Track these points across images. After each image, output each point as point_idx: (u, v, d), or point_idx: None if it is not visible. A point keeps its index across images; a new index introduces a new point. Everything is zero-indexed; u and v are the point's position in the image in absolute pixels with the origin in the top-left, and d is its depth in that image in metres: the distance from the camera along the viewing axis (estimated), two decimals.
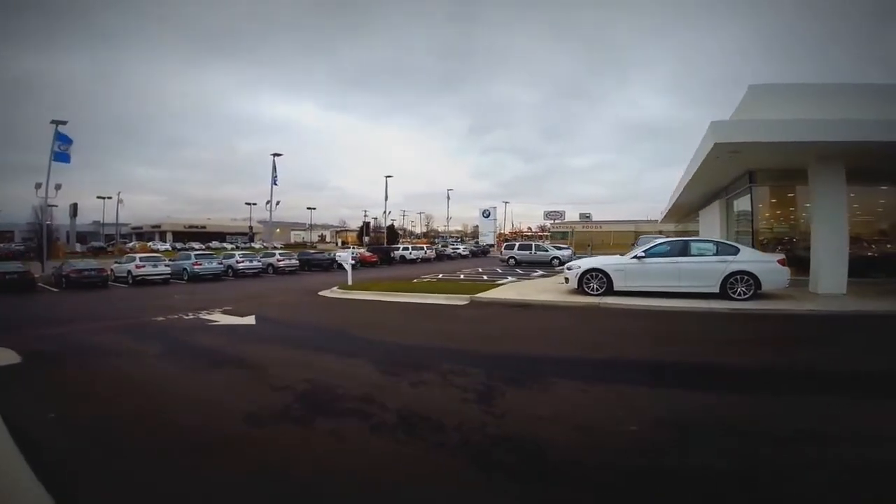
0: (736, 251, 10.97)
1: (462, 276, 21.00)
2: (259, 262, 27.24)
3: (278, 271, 27.81)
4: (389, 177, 55.11)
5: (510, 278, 18.76)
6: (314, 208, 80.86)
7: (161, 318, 10.59)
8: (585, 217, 74.36)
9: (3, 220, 64.54)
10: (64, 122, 24.62)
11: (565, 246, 32.64)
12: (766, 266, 10.63)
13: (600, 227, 65.54)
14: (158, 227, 79.03)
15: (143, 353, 7.03)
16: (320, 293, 15.60)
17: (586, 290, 11.73)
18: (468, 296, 12.54)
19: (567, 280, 12.46)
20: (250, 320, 10.16)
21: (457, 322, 9.78)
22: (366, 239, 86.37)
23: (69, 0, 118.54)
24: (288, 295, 15.59)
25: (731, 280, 10.50)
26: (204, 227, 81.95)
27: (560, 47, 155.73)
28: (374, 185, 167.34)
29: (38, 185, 24.74)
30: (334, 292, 15.30)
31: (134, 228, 78.41)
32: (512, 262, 28.35)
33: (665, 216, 39.10)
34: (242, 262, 26.28)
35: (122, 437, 3.93)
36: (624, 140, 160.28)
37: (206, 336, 8.52)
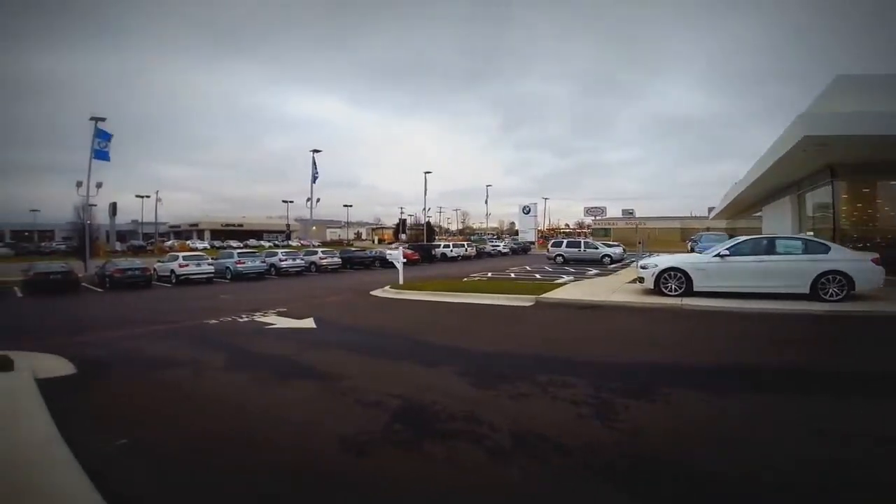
0: (826, 249, 10.00)
1: (513, 275, 20.15)
2: (302, 260, 27.02)
3: (321, 269, 27.54)
4: (428, 173, 54.45)
5: (566, 277, 17.78)
6: (351, 206, 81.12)
7: (214, 321, 10.15)
8: (628, 213, 72.29)
9: (44, 220, 67.79)
10: (103, 119, 24.97)
11: (615, 243, 31.25)
12: (860, 265, 9.66)
13: (643, 224, 63.31)
14: (196, 225, 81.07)
15: (206, 364, 6.47)
16: (372, 293, 15.04)
17: (664, 290, 10.74)
18: (532, 296, 11.70)
19: (640, 280, 11.50)
20: (309, 323, 9.61)
21: (530, 325, 8.98)
22: (402, 236, 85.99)
23: (102, 4, 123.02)
24: (339, 295, 15.08)
25: (822, 280, 9.60)
26: (241, 225, 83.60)
27: (589, 43, 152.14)
28: (406, 182, 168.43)
29: (79, 184, 25.12)
30: (387, 292, 14.72)
31: (172, 227, 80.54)
32: (560, 259, 27.26)
33: (718, 212, 37.18)
34: (286, 260, 26.11)
35: (206, 470, 3.33)
36: (657, 134, 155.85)
37: (267, 342, 7.96)
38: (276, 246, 55.92)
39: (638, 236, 31.95)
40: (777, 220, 20.89)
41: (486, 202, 68.03)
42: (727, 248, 10.70)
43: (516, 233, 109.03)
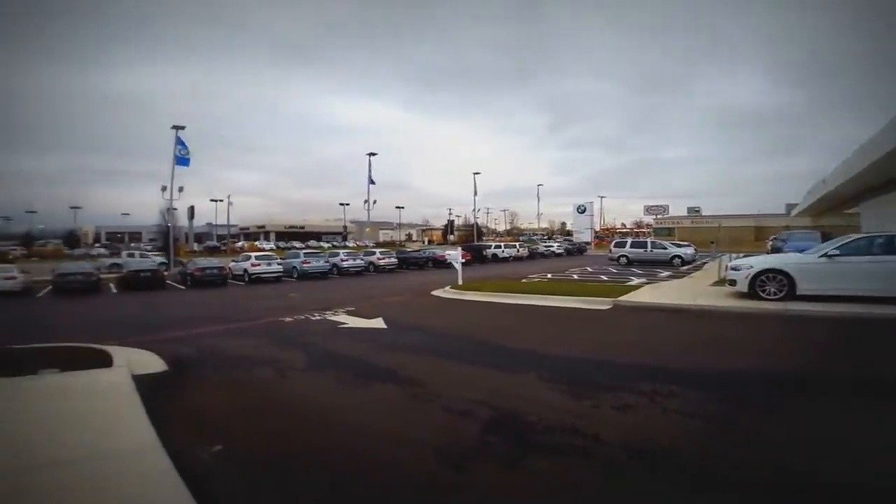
0: None
1: (575, 277, 19.34)
2: (362, 260, 27.63)
3: (378, 269, 28.02)
4: (477, 173, 54.35)
5: (638, 280, 16.76)
6: (402, 207, 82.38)
7: (289, 319, 10.37)
8: (694, 211, 67.86)
9: (133, 223, 74.16)
10: (182, 127, 26.73)
11: (685, 243, 29.24)
12: None
13: (710, 222, 59.30)
14: (263, 227, 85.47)
15: (288, 363, 6.48)
16: (433, 293, 14.92)
17: (760, 294, 9.72)
18: (608, 299, 11.02)
19: (729, 282, 10.50)
20: (379, 323, 9.56)
21: (612, 330, 8.39)
22: (451, 237, 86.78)
23: (175, 25, 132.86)
24: (401, 295, 15.08)
25: None
26: (302, 227, 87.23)
27: (639, 36, 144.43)
28: (453, 183, 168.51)
29: (163, 189, 27.02)
30: (447, 292, 14.55)
31: (242, 229, 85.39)
32: (623, 261, 25.92)
33: (802, 210, 34.01)
34: (347, 260, 26.74)
35: (302, 483, 3.18)
36: (718, 129, 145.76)
37: (343, 341, 7.94)
38: (335, 247, 57.69)
39: (720, 234, 29.74)
40: (883, 218, 18.64)
41: (538, 202, 65.81)
42: (836, 248, 9.53)
43: (568, 233, 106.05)
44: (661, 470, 3.21)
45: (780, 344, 6.99)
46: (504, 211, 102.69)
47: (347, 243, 73.71)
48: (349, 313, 10.90)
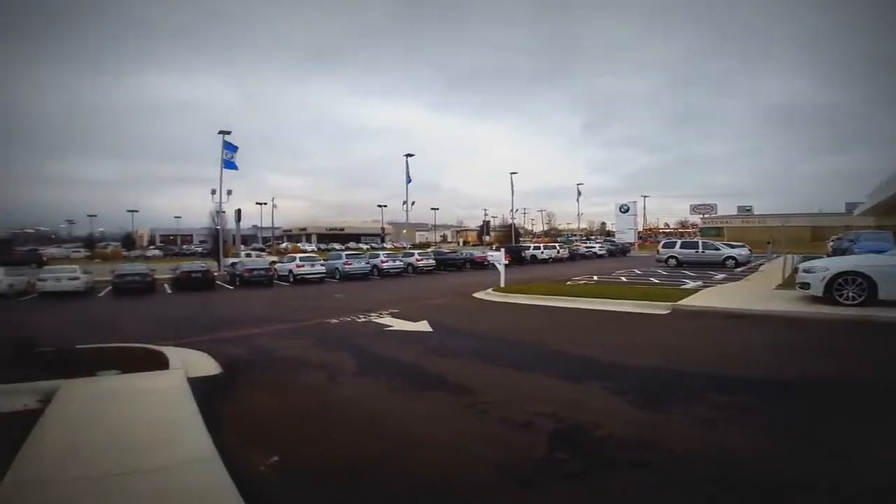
0: None
1: (623, 279, 18.59)
2: (401, 261, 27.74)
3: (417, 270, 28.02)
4: (514, 173, 53.31)
5: (693, 283, 15.86)
6: (437, 209, 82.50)
7: (335, 321, 10.37)
8: (745, 210, 64.41)
9: (185, 225, 77.84)
10: (228, 132, 27.69)
11: (739, 243, 27.57)
12: None
13: (762, 222, 56.16)
14: (305, 229, 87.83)
15: (338, 367, 6.39)
16: (475, 295, 14.65)
17: (837, 298, 8.89)
18: (665, 303, 10.42)
19: (803, 285, 9.67)
20: (424, 326, 9.40)
21: (674, 336, 7.91)
22: (486, 238, 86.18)
23: (219, 35, 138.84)
24: (443, 297, 14.89)
25: None
26: (342, 229, 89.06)
27: (678, 32, 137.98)
28: (486, 184, 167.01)
29: (213, 192, 28.04)
30: (490, 294, 14.25)
31: (285, 231, 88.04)
32: (672, 262, 24.72)
33: (868, 208, 31.54)
34: (386, 261, 26.91)
35: (359, 501, 3.04)
36: (766, 125, 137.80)
37: (390, 345, 7.80)
38: (373, 248, 58.42)
39: (777, 234, 27.97)
40: None
41: (578, 201, 63.83)
42: None
43: (608, 233, 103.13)
44: (746, 496, 2.90)
45: (871, 353, 6.32)
46: (541, 211, 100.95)
47: (385, 245, 74.60)
48: (393, 315, 10.81)
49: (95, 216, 77.44)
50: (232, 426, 4.25)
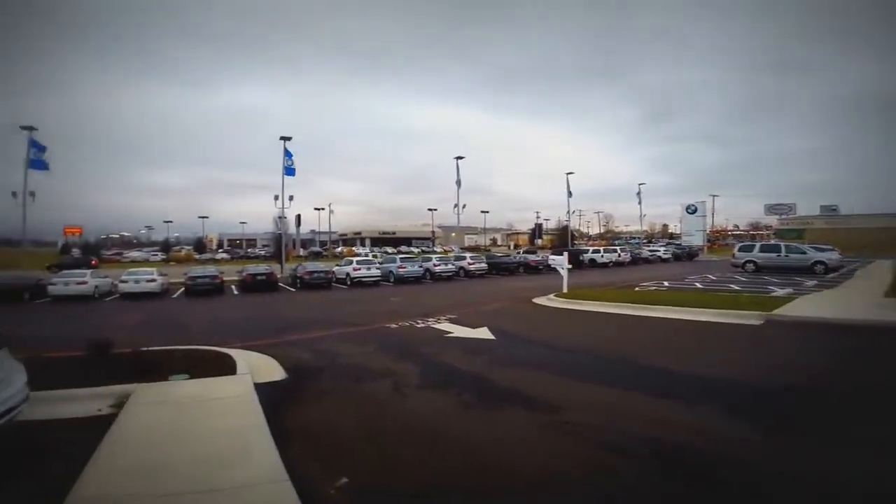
0: None
1: (698, 286, 17.22)
2: (453, 265, 27.47)
3: (469, 274, 27.64)
4: (570, 173, 50.92)
5: (782, 290, 14.39)
6: (488, 212, 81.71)
7: (394, 325, 10.17)
8: (830, 209, 58.61)
9: (248, 230, 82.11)
10: (289, 138, 28.61)
11: (828, 247, 24.92)
12: None
13: (849, 223, 50.94)
14: (359, 234, 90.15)
15: (403, 377, 6.09)
16: (535, 301, 14.05)
17: None
18: (759, 312, 9.39)
19: None
20: (486, 333, 8.97)
21: (777, 350, 7.10)
22: (538, 241, 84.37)
23: (276, 45, 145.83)
24: (500, 301, 14.39)
25: None
26: (394, 233, 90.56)
27: (738, 17, 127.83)
28: (537, 186, 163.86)
29: (276, 197, 29.13)
30: (552, 300, 13.59)
31: (340, 235, 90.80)
32: (750, 267, 22.71)
33: None
34: (439, 265, 26.74)
35: None
36: (848, 118, 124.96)
37: (453, 353, 7.43)
38: (424, 252, 58.74)
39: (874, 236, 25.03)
40: None
41: (640, 202, 60.23)
42: None
43: (671, 236, 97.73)
44: None
45: None
46: (597, 213, 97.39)
47: (436, 248, 74.93)
48: (452, 321, 10.46)
49: (171, 222, 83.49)
50: (299, 440, 4.02)
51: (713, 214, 76.97)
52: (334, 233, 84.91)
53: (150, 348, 6.89)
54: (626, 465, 3.41)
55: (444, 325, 9.97)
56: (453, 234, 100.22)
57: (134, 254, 62.54)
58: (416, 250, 64.95)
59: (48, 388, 4.83)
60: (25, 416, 3.88)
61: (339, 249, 72.14)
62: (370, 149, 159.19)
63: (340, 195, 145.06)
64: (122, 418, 4.18)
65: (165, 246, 72.85)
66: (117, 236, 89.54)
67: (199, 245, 76.25)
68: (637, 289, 16.31)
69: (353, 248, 71.96)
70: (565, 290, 14.86)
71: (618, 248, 42.09)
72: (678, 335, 8.52)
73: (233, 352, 6.95)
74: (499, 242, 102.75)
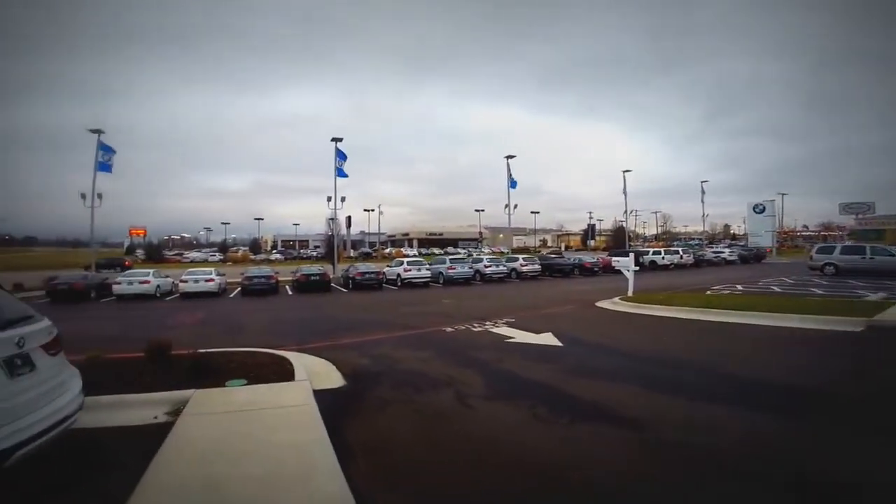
0: None
1: (776, 289, 15.65)
2: (504, 266, 26.75)
3: (521, 276, 26.84)
4: (627, 171, 48.28)
5: (873, 295, 12.73)
6: (538, 212, 79.89)
7: (450, 329, 9.68)
8: None
9: (301, 231, 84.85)
10: (340, 139, 28.88)
11: None
12: None
13: None
14: (407, 234, 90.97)
15: (467, 386, 5.58)
16: (599, 305, 13.18)
17: None
18: (856, 318, 8.20)
19: None
20: (550, 339, 8.31)
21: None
22: (591, 243, 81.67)
23: (329, 50, 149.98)
24: (561, 305, 13.59)
25: None
26: (441, 234, 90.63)
27: (800, 11, 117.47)
28: (587, 186, 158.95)
29: (328, 199, 29.61)
30: (617, 304, 12.67)
31: (389, 236, 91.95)
32: (830, 270, 20.55)
33: None
34: (490, 266, 26.12)
35: None
36: None
37: (518, 360, 6.83)
38: (469, 253, 58.18)
39: None
40: None
41: (703, 200, 56.18)
42: None
43: (733, 237, 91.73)
44: None
45: None
46: (655, 213, 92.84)
47: (483, 249, 74.18)
48: (511, 325, 9.85)
49: (228, 223, 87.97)
50: (363, 458, 3.59)
51: (782, 214, 71.49)
52: (383, 234, 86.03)
53: (208, 350, 6.78)
54: (760, 496, 2.74)
55: (504, 330, 9.39)
56: (501, 236, 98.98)
57: (194, 254, 66.13)
58: (462, 251, 64.44)
59: (104, 393, 4.70)
60: (79, 424, 3.68)
61: (387, 250, 73.07)
62: (419, 151, 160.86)
63: (388, 197, 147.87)
64: (179, 428, 3.92)
65: (223, 247, 76.62)
66: (178, 237, 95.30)
67: (255, 246, 79.60)
68: (709, 293, 15.03)
69: (402, 250, 72.66)
70: (631, 293, 13.88)
71: (679, 249, 39.72)
72: (768, 343, 7.56)
73: (290, 355, 6.72)
74: (549, 244, 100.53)
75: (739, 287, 16.77)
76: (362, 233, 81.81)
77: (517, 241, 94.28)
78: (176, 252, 71.80)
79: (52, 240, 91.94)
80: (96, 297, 19.11)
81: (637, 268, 14.89)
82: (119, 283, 19.24)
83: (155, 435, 3.79)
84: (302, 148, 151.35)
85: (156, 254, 64.21)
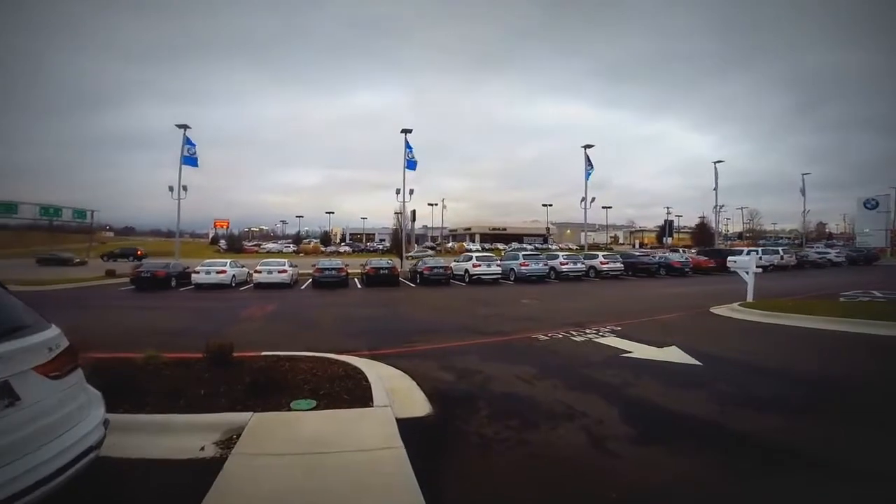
0: None
1: None
2: (582, 264, 24.63)
3: (599, 275, 24.60)
4: (719, 162, 43.45)
5: None
6: (610, 207, 75.11)
7: (543, 337, 8.17)
8: None
9: (368, 225, 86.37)
10: (409, 130, 27.97)
11: None
12: None
13: None
14: (469, 229, 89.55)
15: (595, 422, 4.11)
16: (714, 311, 11.11)
17: None
18: None
19: None
20: (679, 355, 6.61)
21: None
22: (668, 240, 75.70)
23: (392, 49, 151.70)
24: (665, 310, 11.56)
25: None
26: (504, 228, 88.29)
27: None
28: (657, 180, 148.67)
29: (397, 191, 28.78)
30: (740, 312, 10.58)
31: (451, 231, 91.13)
32: None
33: None
34: (567, 263, 24.15)
35: None
36: None
37: (652, 385, 5.23)
38: (537, 249, 55.73)
39: None
40: None
41: (803, 193, 49.17)
42: None
43: (829, 235, 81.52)
44: None
45: None
46: (741, 209, 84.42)
47: (550, 245, 71.17)
48: (619, 335, 8.19)
49: (302, 216, 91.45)
50: None
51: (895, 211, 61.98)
52: (445, 228, 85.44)
53: (273, 353, 5.85)
54: None
55: (612, 341, 7.75)
56: (568, 231, 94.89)
57: (270, 245, 69.27)
58: (528, 247, 62.08)
59: (151, 407, 3.78)
60: (108, 452, 2.70)
61: (449, 245, 72.29)
62: (482, 146, 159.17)
63: (451, 192, 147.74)
64: (229, 469, 2.87)
65: (297, 239, 79.65)
66: (257, 229, 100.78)
67: (326, 238, 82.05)
68: (842, 299, 12.42)
69: (464, 244, 71.51)
70: (751, 298, 11.65)
71: (780, 249, 35.19)
72: None
73: (363, 364, 5.63)
74: (620, 241, 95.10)
75: (877, 293, 13.77)
76: (424, 227, 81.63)
77: (584, 238, 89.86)
78: (254, 243, 75.70)
79: (147, 230, 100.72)
80: (176, 286, 19.61)
81: (760, 270, 12.46)
82: (198, 273, 19.62)
83: (199, 474, 2.81)
84: (369, 145, 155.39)
85: (236, 244, 67.89)
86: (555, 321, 9.90)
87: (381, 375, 5.18)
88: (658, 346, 7.16)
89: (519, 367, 6.14)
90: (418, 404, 4.58)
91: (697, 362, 6.24)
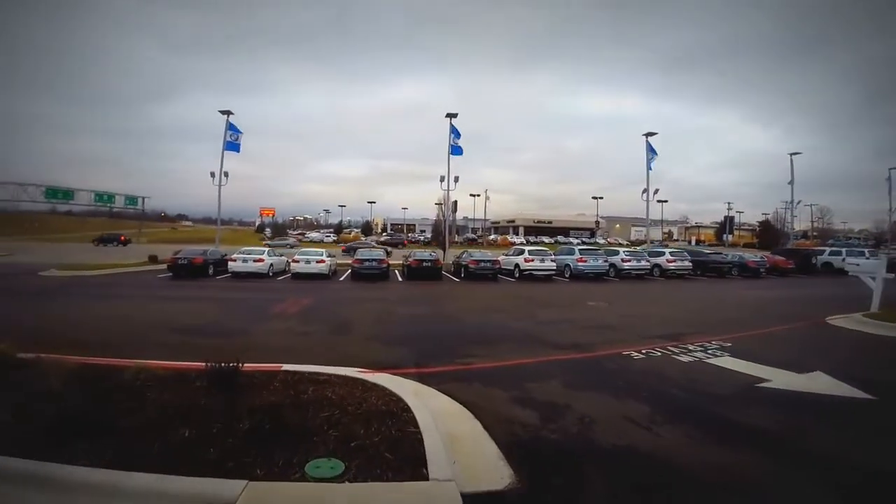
0: None
1: None
2: (647, 262, 22.30)
3: (664, 274, 22.21)
4: (796, 153, 38.60)
5: None
6: (666, 201, 70.34)
7: (638, 355, 6.44)
8: None
9: (408, 216, 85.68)
10: (455, 115, 26.36)
11: None
12: None
13: None
14: (512, 221, 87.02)
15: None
16: (832, 322, 9.01)
17: None
18: None
19: None
20: (833, 384, 4.81)
21: None
22: (728, 237, 70.54)
23: (430, 35, 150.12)
24: (767, 321, 9.45)
25: None
26: (550, 222, 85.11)
27: None
28: (713, 174, 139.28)
29: (441, 178, 27.38)
30: (866, 324, 8.49)
31: (493, 223, 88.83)
32: None
33: None
34: (629, 260, 21.93)
35: None
36: None
37: (819, 430, 3.52)
38: (584, 243, 52.93)
39: None
40: None
41: (890, 189, 43.64)
42: None
43: None
44: None
45: None
46: (811, 206, 77.28)
47: (598, 240, 67.88)
48: (733, 354, 6.37)
49: (344, 206, 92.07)
50: None
51: None
52: (487, 220, 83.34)
53: (295, 369, 4.54)
54: None
55: (729, 362, 5.97)
56: (617, 226, 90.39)
57: (313, 234, 69.90)
58: (575, 241, 59.22)
59: (107, 456, 2.49)
60: None
61: (492, 237, 70.30)
62: (526, 138, 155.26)
63: (493, 183, 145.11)
64: None
65: (339, 228, 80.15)
66: (302, 218, 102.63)
67: (367, 228, 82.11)
68: None
69: (507, 237, 69.33)
70: (877, 308, 9.43)
71: (867, 251, 31.23)
72: None
73: (410, 392, 4.20)
74: (674, 236, 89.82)
75: None
76: (465, 218, 80.00)
77: (636, 233, 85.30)
78: (299, 231, 76.77)
79: (199, 217, 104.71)
80: (214, 273, 19.04)
81: (893, 275, 10.10)
82: (234, 261, 18.96)
83: None
84: (412, 136, 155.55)
85: (281, 232, 69.05)
86: (638, 331, 8.15)
87: (434, 412, 3.74)
88: (798, 372, 5.34)
89: (624, 401, 4.52)
90: (492, 466, 3.08)
91: (865, 395, 4.42)
